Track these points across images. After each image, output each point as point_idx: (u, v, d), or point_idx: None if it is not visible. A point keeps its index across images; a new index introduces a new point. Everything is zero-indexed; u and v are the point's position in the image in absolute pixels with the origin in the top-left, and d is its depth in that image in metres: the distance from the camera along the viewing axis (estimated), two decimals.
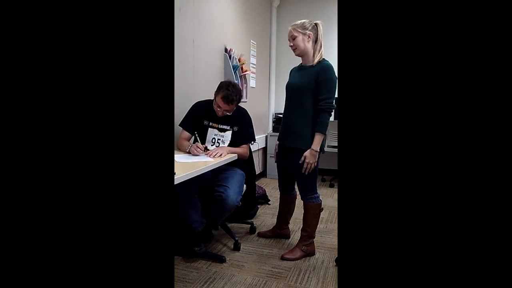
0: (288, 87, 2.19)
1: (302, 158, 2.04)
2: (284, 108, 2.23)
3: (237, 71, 3.29)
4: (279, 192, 2.45)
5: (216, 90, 2.18)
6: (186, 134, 2.25)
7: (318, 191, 2.19)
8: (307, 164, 2.03)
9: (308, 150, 2.03)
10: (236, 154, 2.16)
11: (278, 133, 2.32)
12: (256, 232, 2.57)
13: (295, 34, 2.05)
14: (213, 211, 2.10)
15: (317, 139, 2.03)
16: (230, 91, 2.11)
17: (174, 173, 1.47)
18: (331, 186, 4.05)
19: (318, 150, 2.04)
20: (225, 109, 2.15)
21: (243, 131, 2.29)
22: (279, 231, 2.48)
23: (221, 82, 2.20)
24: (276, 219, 2.50)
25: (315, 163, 2.05)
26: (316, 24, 2.06)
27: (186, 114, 2.28)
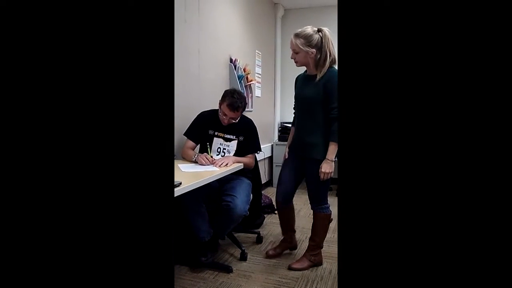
0: (297, 98, 2.15)
1: (319, 169, 2.00)
2: (295, 119, 2.22)
3: (242, 81, 3.31)
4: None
5: (221, 98, 2.20)
6: (191, 143, 2.26)
7: (328, 202, 2.17)
8: (324, 174, 1.99)
9: (324, 160, 2.00)
10: (242, 163, 2.16)
11: (284, 142, 2.31)
12: (265, 251, 2.40)
13: (297, 49, 2.00)
14: (221, 220, 2.09)
15: (332, 148, 1.98)
16: (235, 98, 2.13)
17: (180, 183, 1.47)
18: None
19: (334, 160, 2.00)
20: (231, 117, 2.18)
21: (249, 141, 2.29)
22: (289, 244, 2.40)
23: (225, 91, 2.22)
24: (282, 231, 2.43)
25: (332, 173, 2.01)
26: (320, 33, 1.97)
27: (191, 124, 2.31)
